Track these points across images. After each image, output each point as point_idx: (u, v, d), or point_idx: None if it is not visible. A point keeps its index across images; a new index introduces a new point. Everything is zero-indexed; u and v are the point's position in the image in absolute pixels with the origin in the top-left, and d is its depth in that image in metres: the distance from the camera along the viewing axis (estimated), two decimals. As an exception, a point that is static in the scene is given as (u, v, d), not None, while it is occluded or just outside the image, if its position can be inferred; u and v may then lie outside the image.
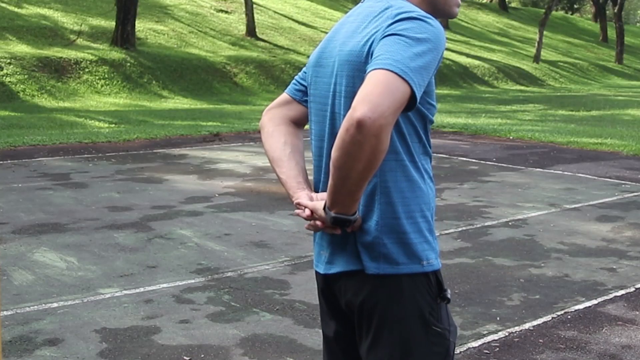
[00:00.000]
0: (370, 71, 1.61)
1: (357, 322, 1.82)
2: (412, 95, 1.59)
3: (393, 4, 1.75)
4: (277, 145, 1.92)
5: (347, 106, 1.66)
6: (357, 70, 1.72)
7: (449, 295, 1.80)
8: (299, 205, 1.82)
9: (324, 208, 1.73)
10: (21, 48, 18.84)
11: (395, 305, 1.75)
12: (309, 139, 1.94)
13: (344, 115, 1.67)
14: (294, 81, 2.00)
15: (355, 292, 1.80)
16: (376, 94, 1.55)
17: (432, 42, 1.64)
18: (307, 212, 1.78)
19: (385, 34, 1.66)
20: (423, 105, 1.75)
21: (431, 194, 1.83)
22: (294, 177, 1.87)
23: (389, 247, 1.75)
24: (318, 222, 1.77)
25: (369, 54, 1.69)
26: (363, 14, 1.80)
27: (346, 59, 1.76)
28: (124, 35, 20.50)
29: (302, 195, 1.83)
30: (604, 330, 4.02)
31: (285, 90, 2.02)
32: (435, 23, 1.68)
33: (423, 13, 1.70)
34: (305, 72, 1.96)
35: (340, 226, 1.73)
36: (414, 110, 1.68)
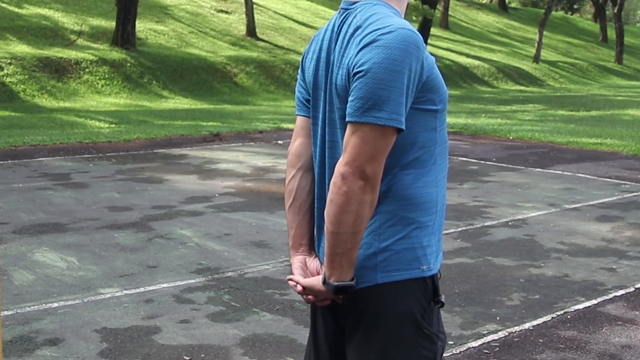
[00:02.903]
0: (348, 122, 1.69)
1: (346, 320, 1.83)
2: (396, 128, 1.67)
3: (361, 20, 1.75)
4: (296, 193, 1.95)
5: (342, 134, 1.74)
6: (345, 102, 1.75)
7: (442, 300, 1.80)
8: (290, 280, 1.88)
9: (324, 282, 1.76)
10: (21, 48, 18.84)
11: (387, 305, 1.76)
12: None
13: (340, 144, 1.75)
14: (297, 98, 1.98)
15: None
16: (355, 147, 1.66)
17: (397, 66, 1.66)
18: (299, 288, 1.84)
19: (355, 71, 1.70)
20: (424, 104, 1.76)
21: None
22: (299, 236, 1.93)
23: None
24: (310, 297, 1.82)
25: (350, 87, 1.73)
26: (341, 35, 1.80)
27: (335, 92, 1.79)
28: (124, 36, 20.50)
29: (296, 263, 1.90)
30: (603, 330, 4.03)
31: (296, 112, 2.00)
32: (398, 36, 1.67)
33: (386, 25, 1.70)
34: (301, 85, 1.95)
35: (342, 294, 1.76)
36: (411, 116, 1.72)
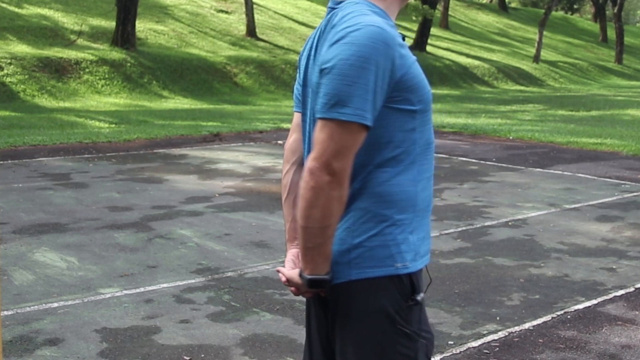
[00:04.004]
0: (316, 118, 1.73)
1: (331, 316, 1.86)
2: (362, 125, 1.68)
3: (338, 19, 1.78)
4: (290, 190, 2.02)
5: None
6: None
7: (418, 298, 1.78)
8: (278, 272, 1.93)
9: (300, 274, 1.80)
10: (21, 48, 18.84)
11: (361, 301, 1.77)
12: None
13: None
14: (295, 95, 2.03)
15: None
16: (322, 143, 1.69)
17: (362, 63, 1.67)
18: (284, 278, 1.89)
19: (322, 68, 1.73)
20: (400, 103, 1.76)
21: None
22: (293, 229, 1.99)
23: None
24: (292, 289, 1.86)
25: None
26: (324, 34, 1.83)
27: (314, 89, 1.82)
28: (124, 36, 20.50)
29: (288, 256, 1.96)
30: (603, 330, 4.03)
31: (294, 109, 2.05)
32: (366, 33, 1.68)
33: (356, 23, 1.71)
34: (298, 82, 1.99)
35: (317, 288, 1.79)
36: (386, 114, 1.73)
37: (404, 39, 1.83)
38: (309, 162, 1.69)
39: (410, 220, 1.80)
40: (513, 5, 51.45)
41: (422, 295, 1.81)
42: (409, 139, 1.78)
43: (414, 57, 1.80)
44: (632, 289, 4.71)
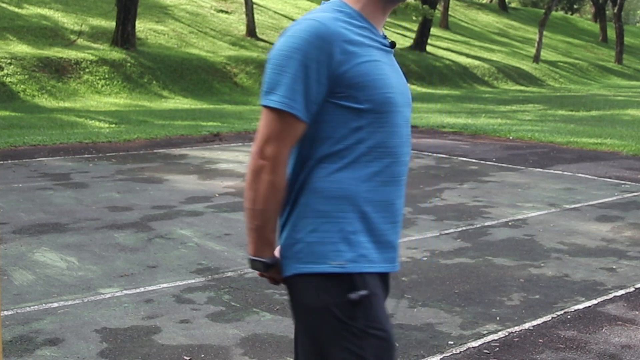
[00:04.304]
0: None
1: (290, 308, 1.94)
2: (290, 114, 1.73)
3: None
4: None
5: None
6: None
7: (353, 296, 1.76)
8: None
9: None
10: (21, 48, 18.84)
11: (303, 296, 1.80)
12: None
13: None
14: None
15: None
16: (259, 128, 1.78)
17: (293, 53, 1.72)
18: None
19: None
20: (343, 100, 1.75)
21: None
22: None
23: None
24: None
25: None
26: None
27: None
28: (124, 36, 20.50)
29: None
30: (603, 330, 4.03)
31: None
32: (303, 26, 1.73)
33: (302, 18, 1.78)
34: None
35: (257, 270, 1.86)
36: (328, 109, 1.75)
37: (392, 45, 1.85)
38: (252, 147, 1.79)
39: (352, 220, 1.78)
40: (513, 5, 51.45)
41: (362, 292, 1.77)
42: (352, 137, 1.77)
43: (376, 58, 1.77)
44: (632, 289, 4.71)
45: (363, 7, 1.83)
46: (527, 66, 31.77)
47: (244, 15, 26.14)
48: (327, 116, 1.76)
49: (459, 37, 34.30)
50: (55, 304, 4.27)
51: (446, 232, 5.99)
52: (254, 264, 1.86)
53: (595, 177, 8.74)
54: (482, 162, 9.81)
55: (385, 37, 1.86)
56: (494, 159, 10.01)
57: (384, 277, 1.88)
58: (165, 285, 4.65)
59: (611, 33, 43.33)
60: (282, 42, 1.75)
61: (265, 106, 1.75)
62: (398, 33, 31.12)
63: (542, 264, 5.22)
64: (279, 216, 1.83)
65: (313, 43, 1.71)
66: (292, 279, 1.82)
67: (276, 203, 1.78)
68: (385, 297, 1.91)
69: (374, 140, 1.78)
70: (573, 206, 7.14)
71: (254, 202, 1.77)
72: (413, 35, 30.02)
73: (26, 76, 17.50)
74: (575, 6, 56.61)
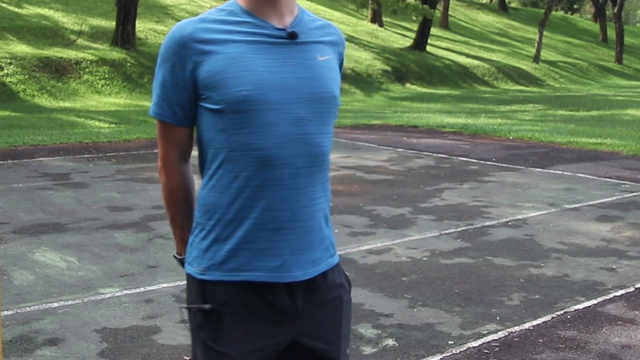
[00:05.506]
0: None
1: None
2: (159, 119, 1.79)
3: None
4: None
5: None
6: None
7: (192, 308, 1.76)
8: None
9: None
10: (21, 48, 18.84)
11: (187, 293, 1.86)
12: None
13: None
14: None
15: None
16: None
17: (158, 60, 1.77)
18: None
19: None
20: (205, 102, 1.71)
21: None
22: None
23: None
24: None
25: None
26: None
27: None
28: (124, 36, 20.50)
29: None
30: (603, 330, 4.03)
31: None
32: (169, 33, 1.77)
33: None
34: None
35: (180, 266, 1.92)
36: (200, 113, 1.75)
37: (291, 36, 1.71)
38: None
39: (215, 229, 1.74)
40: (513, 5, 51.46)
41: (203, 306, 1.74)
42: (217, 140, 1.71)
43: (238, 54, 1.68)
44: (632, 289, 4.71)
45: (246, 2, 1.74)
46: (527, 66, 31.77)
47: (244, 15, 26.12)
48: (200, 119, 1.75)
49: (459, 37, 34.30)
50: (55, 304, 4.27)
51: (446, 232, 5.99)
52: (176, 260, 1.94)
53: (595, 177, 8.74)
54: (482, 162, 9.81)
55: (284, 29, 1.72)
56: (494, 159, 10.01)
57: (270, 286, 1.73)
58: (165, 285, 4.65)
59: (611, 33, 43.34)
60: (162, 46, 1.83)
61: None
62: (398, 33, 31.13)
63: (542, 264, 5.22)
64: (185, 217, 1.86)
65: (170, 47, 1.73)
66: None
67: (174, 203, 1.84)
68: (283, 307, 1.74)
69: (237, 142, 1.68)
70: (573, 206, 7.14)
71: (163, 200, 1.88)
72: (413, 35, 30.01)
73: (26, 76, 17.50)
74: (575, 6, 56.63)
